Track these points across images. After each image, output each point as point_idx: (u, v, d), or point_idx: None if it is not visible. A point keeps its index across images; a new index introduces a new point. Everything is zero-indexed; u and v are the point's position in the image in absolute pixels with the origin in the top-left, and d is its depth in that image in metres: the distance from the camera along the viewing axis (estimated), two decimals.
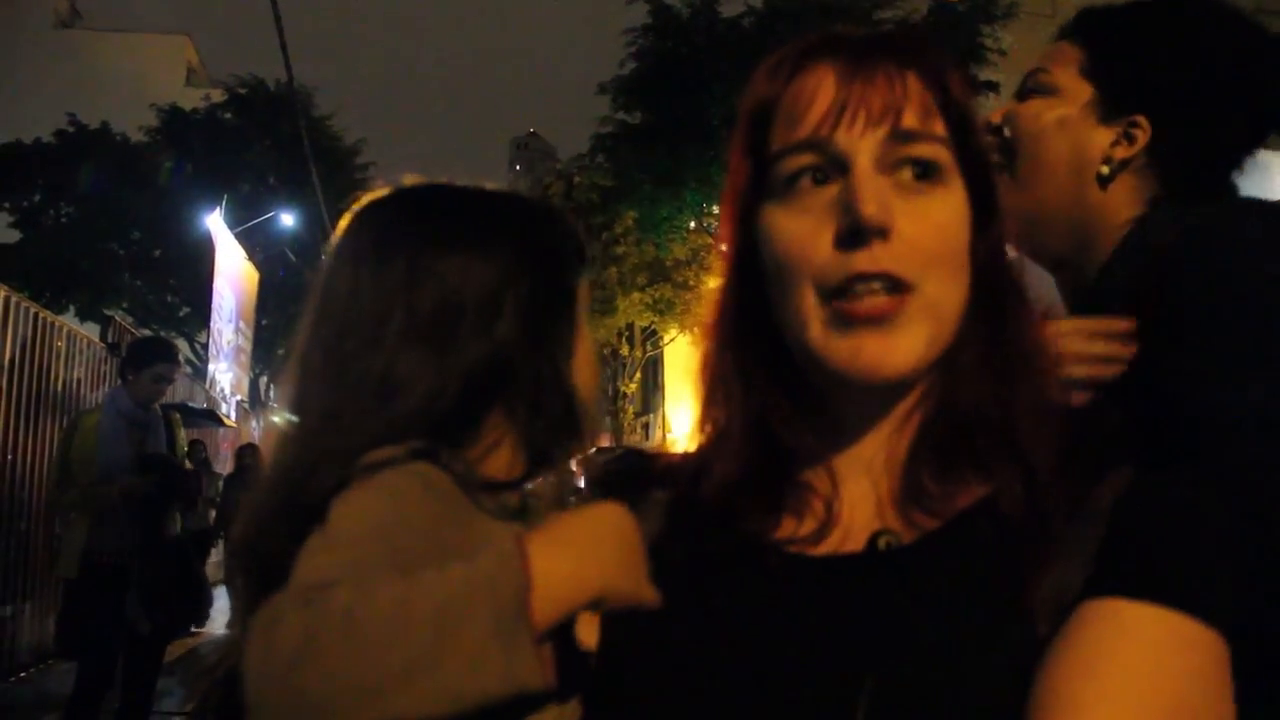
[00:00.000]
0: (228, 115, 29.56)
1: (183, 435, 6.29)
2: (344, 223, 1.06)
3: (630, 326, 25.80)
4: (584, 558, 0.78)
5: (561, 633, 0.79)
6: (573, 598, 0.76)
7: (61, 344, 8.72)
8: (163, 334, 27.78)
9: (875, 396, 0.88)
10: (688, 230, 22.91)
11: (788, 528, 0.89)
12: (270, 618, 0.73)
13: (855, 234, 0.82)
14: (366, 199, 1.09)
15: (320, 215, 19.97)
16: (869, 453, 0.90)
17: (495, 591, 0.72)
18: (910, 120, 0.84)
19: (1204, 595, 0.75)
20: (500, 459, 0.99)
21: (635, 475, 1.01)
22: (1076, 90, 1.47)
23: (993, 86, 21.54)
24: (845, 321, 0.83)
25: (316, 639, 0.69)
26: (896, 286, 0.82)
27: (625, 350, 26.48)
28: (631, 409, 27.77)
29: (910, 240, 0.82)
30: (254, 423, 20.59)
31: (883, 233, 0.81)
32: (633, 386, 27.20)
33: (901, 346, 0.83)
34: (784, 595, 0.85)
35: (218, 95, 30.75)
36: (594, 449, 1.11)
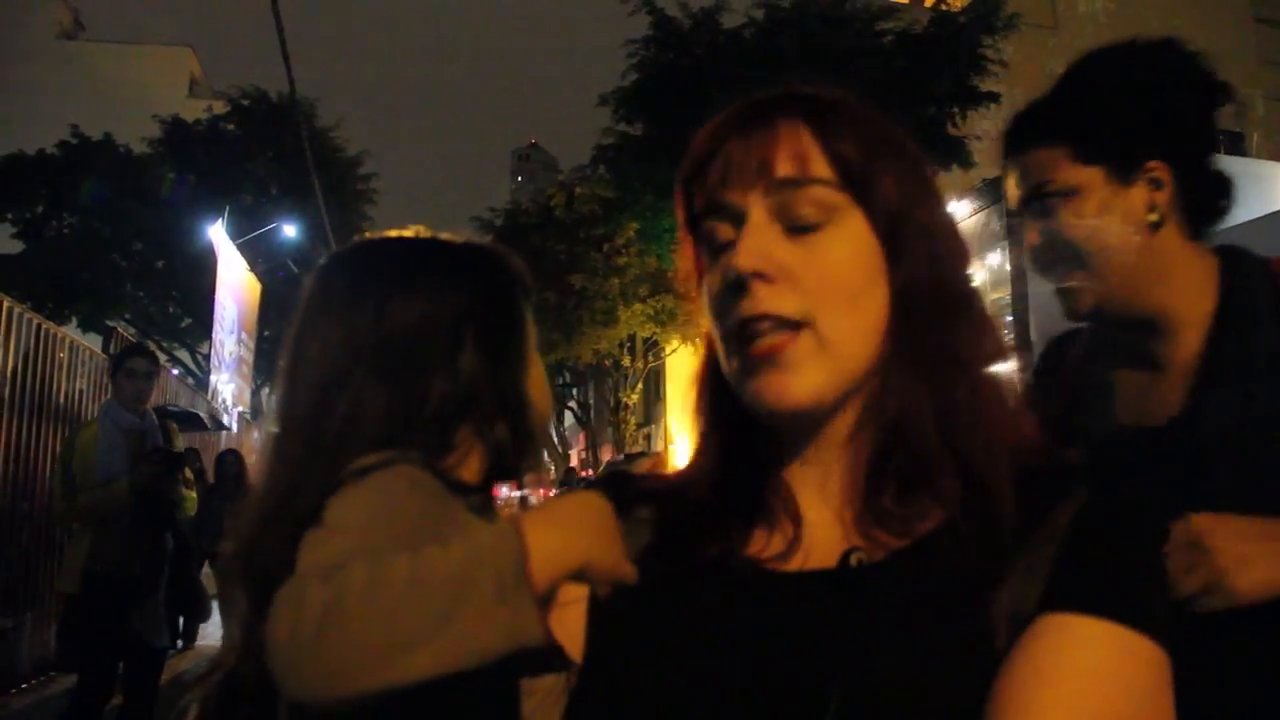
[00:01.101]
0: (230, 126, 29.64)
1: (180, 443, 6.29)
2: (313, 275, 1.23)
3: (632, 337, 25.84)
4: (570, 533, 0.87)
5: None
6: (563, 565, 0.85)
7: (63, 355, 8.73)
8: (164, 345, 27.95)
9: (805, 427, 0.94)
10: None
11: (759, 545, 0.94)
12: (294, 594, 0.81)
13: (737, 283, 0.88)
14: (333, 253, 1.28)
15: (323, 226, 19.99)
16: (825, 477, 0.95)
17: (497, 560, 0.81)
18: (785, 169, 0.90)
19: (1148, 611, 0.81)
20: (470, 468, 1.13)
21: (619, 492, 1.05)
22: (1087, 178, 1.58)
23: (994, 98, 21.60)
24: (749, 363, 0.90)
25: (340, 608, 0.78)
26: (786, 324, 0.88)
27: (627, 361, 26.52)
28: (634, 420, 27.78)
29: (796, 280, 0.88)
30: (255, 434, 20.58)
31: (761, 276, 0.88)
32: (634, 397, 27.22)
33: (796, 381, 0.88)
34: (755, 609, 0.89)
35: (220, 107, 30.85)
36: (601, 461, 1.19)
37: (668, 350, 25.87)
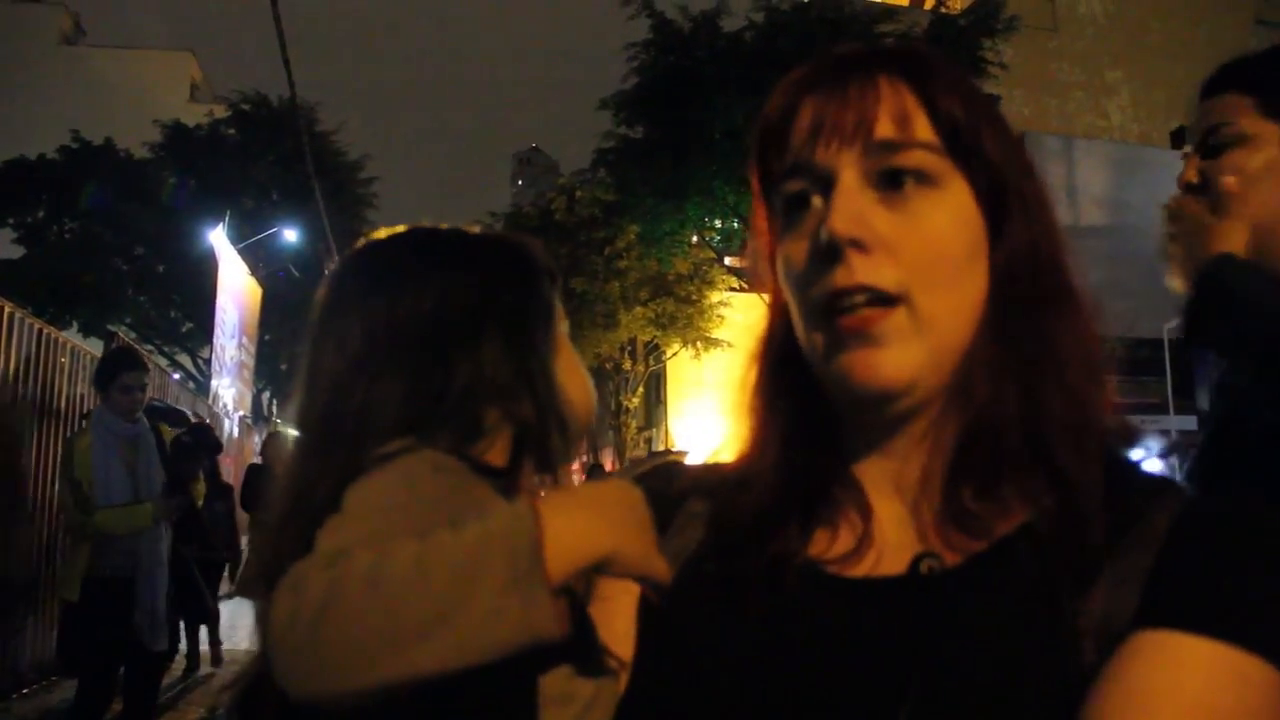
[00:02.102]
0: (231, 131, 29.68)
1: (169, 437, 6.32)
2: (326, 278, 1.18)
3: (633, 341, 25.81)
4: (595, 519, 0.81)
5: (581, 621, 0.86)
6: (584, 554, 0.79)
7: (65, 359, 8.71)
8: (165, 349, 27.95)
9: (890, 413, 0.85)
10: (690, 244, 22.93)
11: (822, 546, 0.87)
12: (294, 580, 0.76)
13: (831, 249, 0.81)
14: (344, 254, 1.23)
15: (324, 231, 20.00)
16: (901, 472, 0.88)
17: (511, 544, 0.75)
18: (885, 130, 0.82)
19: (1261, 629, 0.70)
20: (499, 454, 1.07)
21: (671, 485, 1.00)
22: (1263, 131, 1.63)
23: (994, 99, 21.59)
24: (836, 337, 0.82)
25: (340, 595, 0.73)
26: (881, 299, 0.80)
27: (627, 364, 26.49)
28: (634, 423, 27.75)
29: (894, 250, 0.81)
30: (256, 438, 20.57)
31: (858, 244, 0.80)
32: (635, 401, 27.19)
33: (889, 359, 0.81)
34: (822, 616, 0.83)
35: (221, 111, 30.88)
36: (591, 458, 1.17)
37: (668, 354, 25.84)
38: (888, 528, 0.86)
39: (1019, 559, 0.78)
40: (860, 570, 0.84)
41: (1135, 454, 0.89)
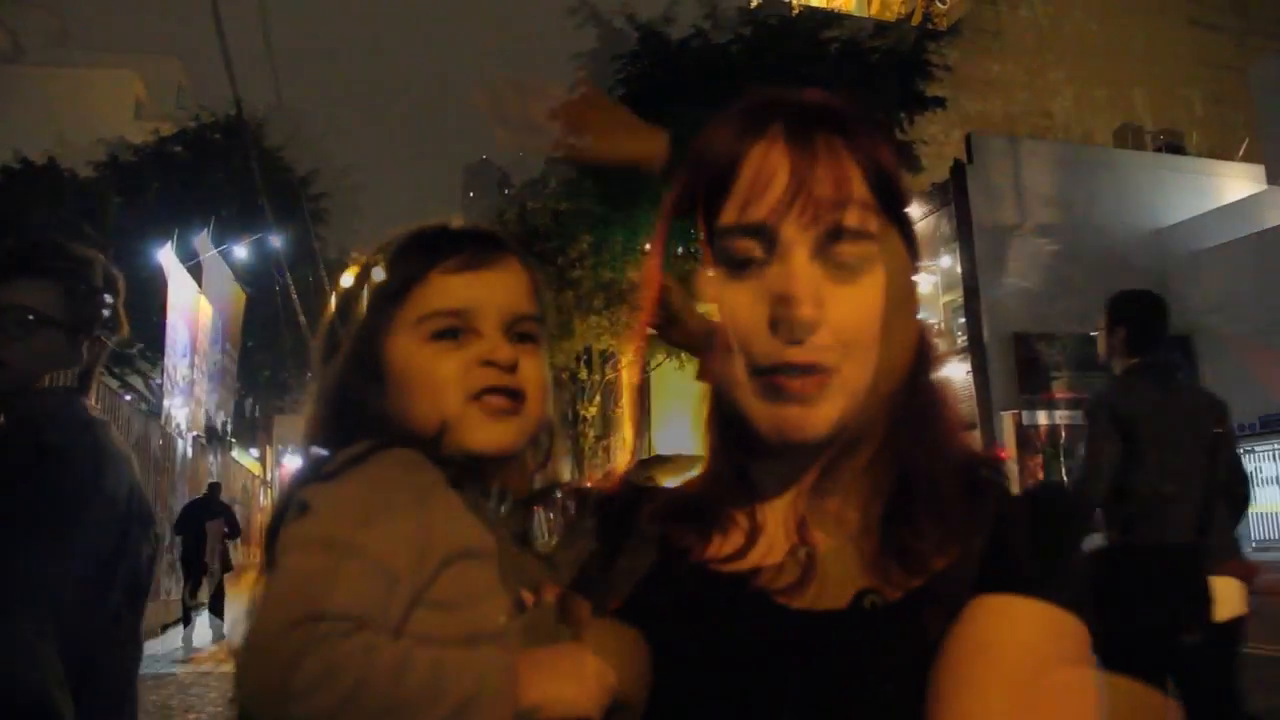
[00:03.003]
0: (178, 149, 29.33)
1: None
2: None
3: (588, 350, 25.80)
4: (566, 690, 0.89)
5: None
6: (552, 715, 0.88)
7: None
8: (115, 371, 27.52)
9: (817, 454, 0.95)
10: (643, 253, 22.95)
11: (770, 575, 0.93)
12: (264, 643, 0.82)
13: (790, 328, 0.88)
14: None
15: (274, 247, 19.82)
16: (842, 509, 0.96)
17: (490, 706, 0.85)
18: (852, 219, 0.90)
19: (1070, 591, 0.87)
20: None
21: (630, 509, 1.04)
22: None
23: (939, 102, 21.84)
24: (774, 394, 0.90)
25: (312, 689, 0.80)
26: (820, 370, 0.89)
27: (584, 374, 26.47)
28: (592, 432, 27.72)
29: (836, 329, 0.89)
30: (211, 458, 20.35)
31: (814, 328, 0.88)
32: (593, 410, 27.17)
33: (820, 417, 0.90)
34: (769, 644, 0.89)
35: (167, 129, 30.52)
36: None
37: (652, 365, 25.87)
38: (830, 561, 0.93)
39: (953, 592, 0.88)
40: (804, 602, 0.91)
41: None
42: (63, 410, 2.06)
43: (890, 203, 0.93)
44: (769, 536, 0.96)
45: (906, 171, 0.99)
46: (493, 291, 1.06)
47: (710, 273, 0.95)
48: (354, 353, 1.06)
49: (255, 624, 0.84)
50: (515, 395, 1.05)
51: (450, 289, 1.05)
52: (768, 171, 0.91)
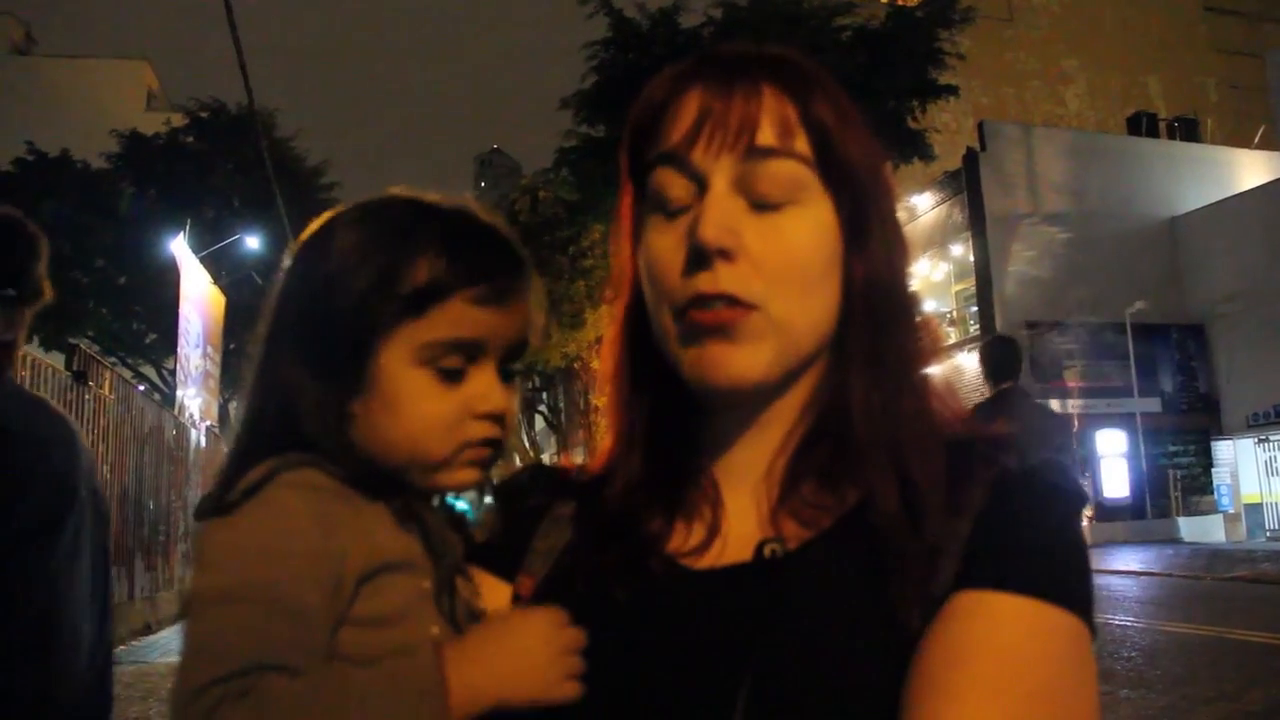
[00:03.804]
0: (189, 139, 29.41)
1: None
2: None
3: (600, 339, 25.81)
4: (503, 668, 0.85)
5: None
6: (488, 702, 0.84)
7: (26, 373, 8.63)
8: (129, 361, 27.67)
9: (744, 408, 0.91)
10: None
11: (678, 539, 0.91)
12: (182, 714, 0.79)
13: (698, 256, 0.84)
14: None
15: (285, 237, 19.85)
16: (750, 465, 0.92)
17: (415, 699, 0.81)
18: (765, 137, 0.85)
19: (1060, 585, 0.79)
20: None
21: (539, 489, 1.03)
22: None
23: (952, 90, 21.76)
24: (693, 331, 0.86)
25: None
26: (739, 304, 0.84)
27: (596, 364, 26.51)
28: (604, 422, 27.75)
29: (757, 259, 0.84)
30: (225, 447, 20.41)
31: (725, 254, 0.84)
32: (604, 400, 27.19)
33: (743, 357, 0.85)
34: (675, 607, 0.87)
35: (178, 120, 30.59)
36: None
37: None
38: (735, 519, 0.90)
39: (856, 539, 0.84)
40: (708, 561, 0.89)
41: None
42: None
43: (827, 142, 0.87)
44: (682, 502, 0.93)
45: (877, 147, 0.95)
46: (507, 326, 0.95)
47: (644, 221, 0.91)
48: (322, 346, 0.92)
49: (176, 681, 0.80)
50: (499, 445, 0.97)
51: (470, 319, 0.92)
52: (683, 109, 0.88)
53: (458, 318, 0.92)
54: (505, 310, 0.94)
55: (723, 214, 0.84)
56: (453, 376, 0.93)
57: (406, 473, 0.93)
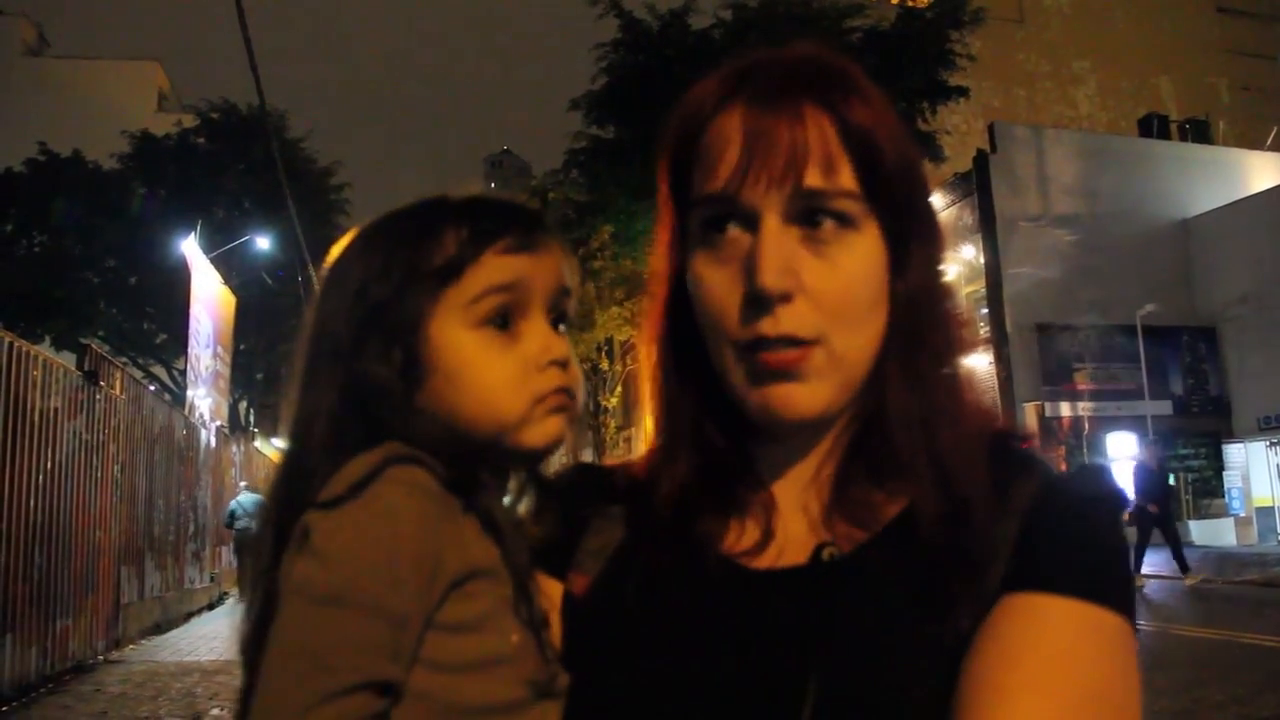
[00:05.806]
0: (200, 140, 29.52)
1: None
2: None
3: (609, 341, 25.83)
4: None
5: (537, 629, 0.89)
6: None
7: (37, 373, 8.66)
8: (140, 361, 27.75)
9: (799, 430, 0.92)
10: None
11: (732, 540, 0.92)
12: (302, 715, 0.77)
13: (759, 300, 0.85)
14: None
15: (296, 238, 19.90)
16: (803, 472, 0.94)
17: None
18: (813, 179, 0.85)
19: (1107, 585, 0.82)
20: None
21: (586, 487, 1.03)
22: None
23: (963, 92, 21.74)
24: (757, 372, 0.87)
25: None
26: (800, 343, 0.85)
27: (605, 365, 26.51)
28: (614, 423, 27.78)
29: (816, 297, 0.85)
30: (234, 448, 20.46)
31: (785, 298, 0.84)
32: (614, 401, 27.21)
33: (807, 396, 0.86)
34: (731, 607, 0.88)
35: (190, 120, 30.70)
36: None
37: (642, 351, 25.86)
38: (790, 522, 0.92)
39: (906, 541, 0.85)
40: (765, 561, 0.90)
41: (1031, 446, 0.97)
42: None
43: (871, 163, 0.86)
44: (734, 503, 0.94)
45: (912, 142, 0.94)
46: (543, 270, 0.98)
47: (690, 247, 0.92)
48: (379, 339, 0.93)
49: (271, 689, 0.79)
50: (571, 392, 0.99)
51: (505, 267, 0.95)
52: (726, 140, 0.87)
53: (493, 269, 0.94)
54: (536, 255, 0.97)
55: (779, 257, 0.84)
56: (504, 325, 0.95)
57: (497, 444, 0.95)
